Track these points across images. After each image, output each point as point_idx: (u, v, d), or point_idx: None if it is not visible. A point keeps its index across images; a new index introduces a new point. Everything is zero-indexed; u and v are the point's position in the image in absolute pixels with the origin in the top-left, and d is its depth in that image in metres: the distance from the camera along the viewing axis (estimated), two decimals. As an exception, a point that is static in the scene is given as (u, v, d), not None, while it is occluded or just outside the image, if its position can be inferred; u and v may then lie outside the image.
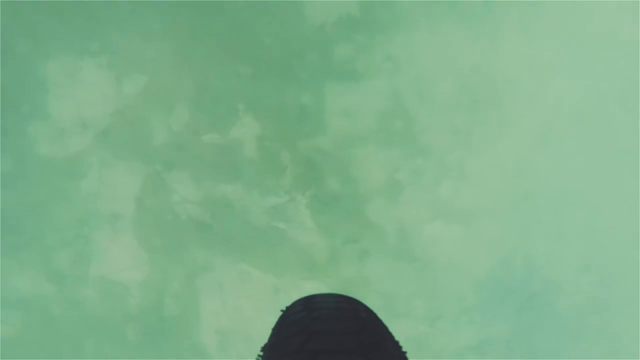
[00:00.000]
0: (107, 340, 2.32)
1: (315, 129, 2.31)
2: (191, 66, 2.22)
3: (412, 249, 2.45)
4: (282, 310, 0.99)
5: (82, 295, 2.29)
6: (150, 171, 2.30)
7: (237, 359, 2.34)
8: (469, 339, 2.47)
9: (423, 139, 2.45)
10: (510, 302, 2.48)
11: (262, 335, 2.45)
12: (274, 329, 0.90)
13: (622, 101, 2.45)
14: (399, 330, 2.40)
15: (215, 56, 2.21)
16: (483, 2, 2.31)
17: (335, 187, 2.39)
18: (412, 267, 2.44)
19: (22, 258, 2.26)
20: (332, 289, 2.45)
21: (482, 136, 2.38)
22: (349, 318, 0.84)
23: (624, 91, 2.44)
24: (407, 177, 2.49)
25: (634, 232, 2.54)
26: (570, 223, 2.45)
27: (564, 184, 2.38)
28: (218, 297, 2.36)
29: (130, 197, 2.30)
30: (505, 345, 2.52)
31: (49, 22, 2.17)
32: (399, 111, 2.35)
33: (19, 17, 2.15)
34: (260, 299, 2.36)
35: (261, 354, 0.85)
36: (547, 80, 2.37)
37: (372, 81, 2.29)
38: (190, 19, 2.20)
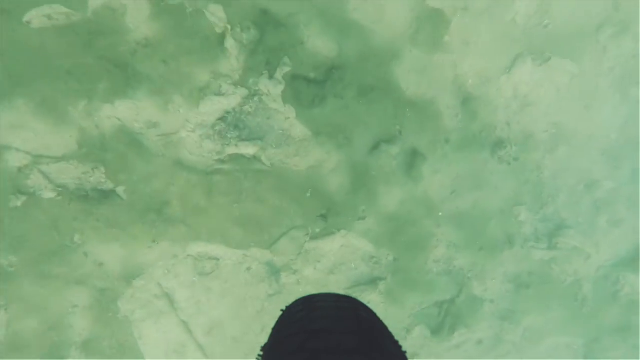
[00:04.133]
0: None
1: None
2: None
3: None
4: (282, 310, 0.97)
5: None
6: None
7: None
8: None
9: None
10: None
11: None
12: (274, 329, 0.89)
13: None
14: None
15: None
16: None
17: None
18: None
19: None
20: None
21: None
22: (349, 317, 0.83)
23: None
24: None
25: None
26: None
27: None
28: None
29: None
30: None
31: None
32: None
33: None
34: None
35: (261, 353, 0.84)
36: None
37: None
38: None
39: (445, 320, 4.04)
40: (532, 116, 3.81)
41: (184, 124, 3.46)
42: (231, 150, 3.55)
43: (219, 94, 3.49)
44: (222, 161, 3.57)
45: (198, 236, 3.59)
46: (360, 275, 3.95)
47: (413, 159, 3.82)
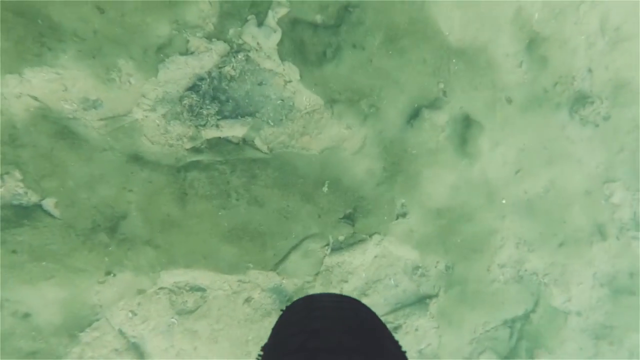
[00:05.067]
0: None
1: None
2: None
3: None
4: (282, 310, 0.96)
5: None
6: None
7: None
8: None
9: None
10: None
11: None
12: (274, 328, 0.88)
13: None
14: None
15: None
16: None
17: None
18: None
19: None
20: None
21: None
22: (349, 317, 0.82)
23: None
24: None
25: None
26: None
27: None
28: None
29: None
30: None
31: None
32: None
33: None
34: None
35: (261, 353, 0.82)
36: None
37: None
38: None
39: (519, 343, 3.00)
40: (626, 56, 2.74)
41: (138, 100, 2.35)
42: (210, 133, 2.45)
43: (186, 52, 2.39)
44: (197, 150, 2.47)
45: (172, 260, 2.49)
46: (402, 294, 2.89)
47: (465, 129, 2.74)
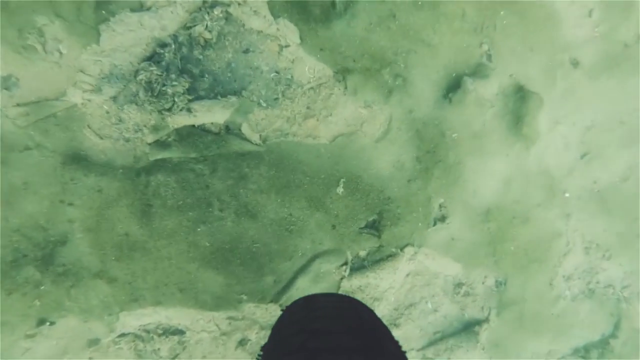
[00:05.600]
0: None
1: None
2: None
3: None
4: (282, 310, 0.97)
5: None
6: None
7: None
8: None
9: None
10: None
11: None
12: (274, 328, 0.88)
13: None
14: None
15: None
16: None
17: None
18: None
19: None
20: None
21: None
22: (350, 317, 0.82)
23: None
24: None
25: None
26: None
27: None
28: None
29: None
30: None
31: None
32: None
33: None
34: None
35: (261, 353, 0.82)
36: None
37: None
38: None
39: (592, 375, 2.35)
40: None
41: (75, 77, 1.67)
42: (179, 120, 1.77)
43: (140, 7, 1.71)
44: (163, 145, 1.79)
45: (136, 296, 1.82)
46: (443, 320, 2.23)
47: (519, 103, 2.08)
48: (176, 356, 1.91)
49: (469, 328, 2.24)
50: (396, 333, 2.17)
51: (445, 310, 2.24)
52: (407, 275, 2.16)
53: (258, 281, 1.94)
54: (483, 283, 2.27)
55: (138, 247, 1.78)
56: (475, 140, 2.09)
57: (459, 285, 2.25)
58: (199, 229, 1.84)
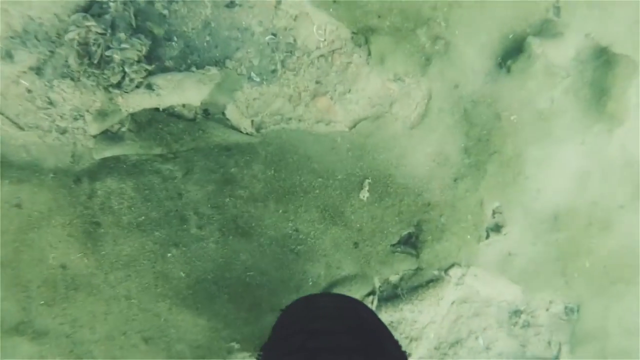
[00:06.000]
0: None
1: None
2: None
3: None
4: (282, 310, 0.93)
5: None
6: None
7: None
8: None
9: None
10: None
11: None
12: (274, 328, 0.88)
13: None
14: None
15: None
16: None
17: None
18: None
19: None
20: None
21: None
22: (349, 317, 0.81)
23: None
24: None
25: None
26: None
27: None
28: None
29: None
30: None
31: None
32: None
33: None
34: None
35: (261, 352, 0.81)
36: None
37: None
38: None
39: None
40: None
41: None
42: (134, 100, 1.23)
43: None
44: (114, 137, 1.26)
45: (78, 353, 1.28)
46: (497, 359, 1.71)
47: (601, 71, 1.55)
48: None
49: (531, 370, 1.72)
50: (439, 380, 1.65)
51: (500, 347, 1.72)
52: (452, 303, 1.63)
53: (254, 322, 1.41)
54: (548, 310, 1.74)
55: (81, 283, 1.25)
56: (541, 123, 1.56)
57: (517, 313, 1.72)
58: (169, 255, 1.31)
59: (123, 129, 1.26)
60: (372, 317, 0.88)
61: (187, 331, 1.35)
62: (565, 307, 1.74)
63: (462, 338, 1.68)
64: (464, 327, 1.68)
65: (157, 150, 1.28)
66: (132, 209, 1.27)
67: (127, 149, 1.26)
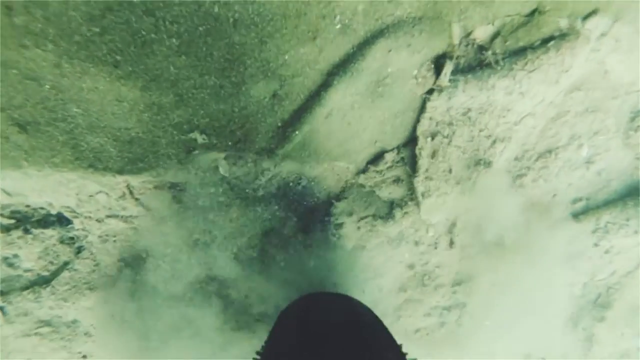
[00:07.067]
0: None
1: None
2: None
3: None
4: (281, 310, 0.93)
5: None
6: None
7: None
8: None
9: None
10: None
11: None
12: (274, 327, 0.87)
13: None
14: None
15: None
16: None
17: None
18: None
19: None
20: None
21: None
22: (349, 317, 0.81)
23: None
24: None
25: None
26: None
27: None
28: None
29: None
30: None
31: None
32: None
33: None
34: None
35: (261, 352, 0.81)
36: None
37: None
38: None
39: None
40: None
41: None
42: None
43: None
44: None
45: None
46: (595, 179, 1.15)
47: None
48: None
49: (641, 193, 1.18)
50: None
51: (607, 161, 1.15)
52: (560, 91, 0.98)
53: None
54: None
55: None
56: None
57: (647, 112, 1.10)
58: None
59: None
60: (372, 316, 0.82)
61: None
62: None
63: (557, 146, 1.09)
64: (565, 128, 1.07)
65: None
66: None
67: None
